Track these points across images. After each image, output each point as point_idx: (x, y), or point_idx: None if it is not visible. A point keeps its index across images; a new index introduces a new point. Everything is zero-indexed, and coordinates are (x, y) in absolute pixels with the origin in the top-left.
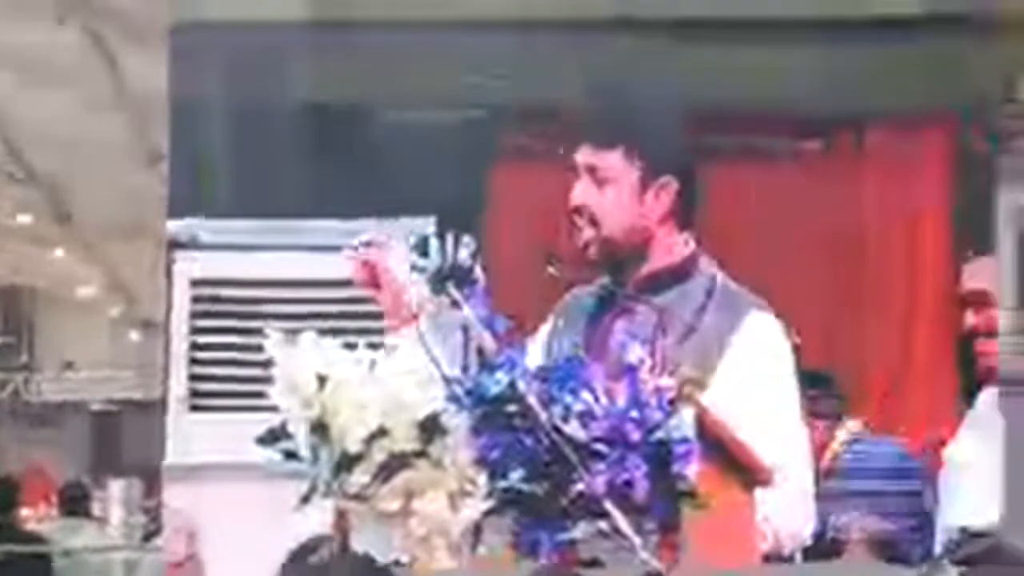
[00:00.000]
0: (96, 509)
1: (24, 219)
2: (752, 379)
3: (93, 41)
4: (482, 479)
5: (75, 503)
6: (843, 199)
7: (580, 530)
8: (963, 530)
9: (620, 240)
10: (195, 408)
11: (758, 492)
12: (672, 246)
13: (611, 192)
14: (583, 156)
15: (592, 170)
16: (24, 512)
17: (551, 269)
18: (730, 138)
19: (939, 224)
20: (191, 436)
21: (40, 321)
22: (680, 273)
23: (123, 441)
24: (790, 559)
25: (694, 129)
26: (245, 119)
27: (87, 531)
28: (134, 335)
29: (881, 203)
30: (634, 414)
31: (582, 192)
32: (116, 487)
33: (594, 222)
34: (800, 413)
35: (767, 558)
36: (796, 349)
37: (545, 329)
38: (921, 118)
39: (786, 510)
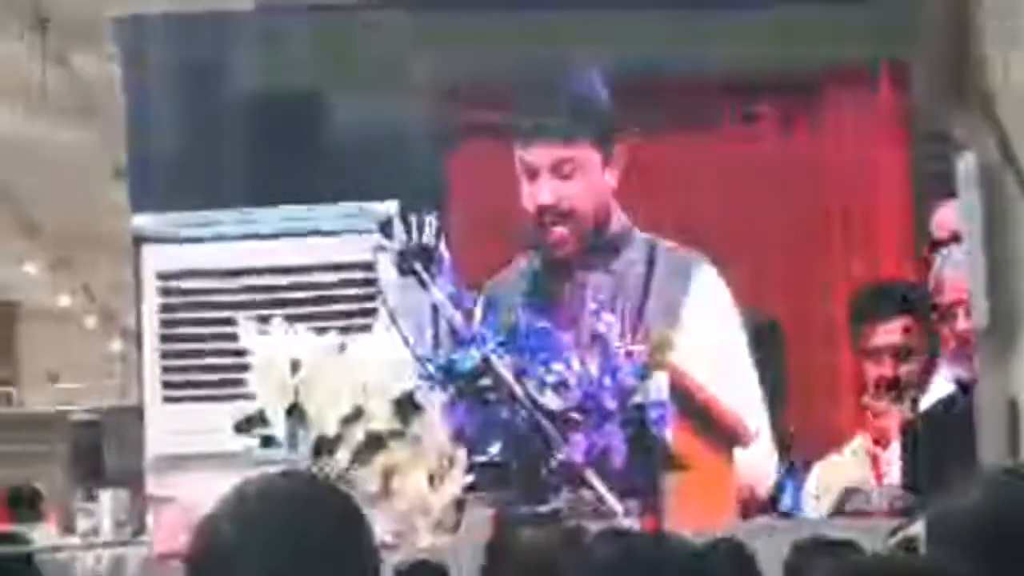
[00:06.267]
0: (86, 522)
1: None
2: (711, 336)
3: (49, 52)
4: (461, 455)
5: (26, 506)
6: (803, 158)
7: (562, 500)
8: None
9: (592, 224)
10: (170, 400)
11: (737, 451)
12: (616, 215)
13: (581, 181)
14: (545, 155)
15: (558, 167)
16: None
17: (512, 241)
18: (675, 106)
19: (899, 174)
20: (169, 428)
21: (20, 334)
22: (620, 240)
23: (109, 450)
24: (763, 506)
25: (634, 100)
26: (201, 110)
27: (42, 532)
28: (115, 344)
29: (840, 160)
30: (608, 381)
31: (549, 192)
32: (105, 498)
33: (566, 216)
34: (751, 362)
35: (746, 507)
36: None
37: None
38: (874, 73)
39: (758, 460)
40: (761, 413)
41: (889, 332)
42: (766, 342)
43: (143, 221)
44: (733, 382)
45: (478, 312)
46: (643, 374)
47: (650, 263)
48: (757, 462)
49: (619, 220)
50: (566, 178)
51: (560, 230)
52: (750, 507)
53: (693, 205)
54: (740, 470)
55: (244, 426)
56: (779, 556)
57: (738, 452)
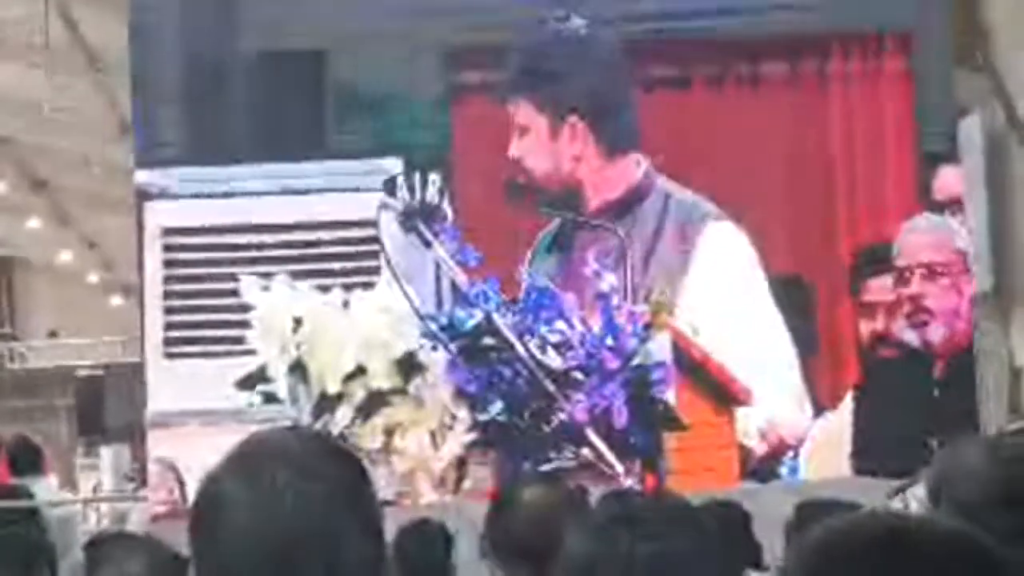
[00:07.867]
0: (88, 478)
1: None
2: (719, 290)
3: (54, 8)
4: (462, 413)
5: (26, 461)
6: (809, 119)
7: (563, 459)
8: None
9: (544, 182)
10: (171, 356)
11: (756, 400)
12: (613, 179)
13: (528, 139)
14: (513, 110)
15: (516, 122)
16: None
17: (513, 197)
18: (688, 66)
19: (903, 137)
20: (170, 383)
21: (21, 289)
22: (630, 200)
23: (111, 406)
24: (786, 457)
25: (650, 61)
26: (207, 67)
27: (42, 487)
28: (115, 300)
29: (846, 121)
30: (610, 341)
31: (514, 145)
32: (107, 454)
33: (523, 169)
34: (776, 312)
35: (765, 460)
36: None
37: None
38: (881, 37)
39: (784, 409)
40: (789, 367)
41: (882, 289)
42: (795, 297)
43: (146, 177)
44: (749, 338)
45: (525, 271)
46: (645, 335)
47: (660, 222)
48: (790, 414)
49: (621, 182)
50: (520, 134)
51: (521, 178)
52: (775, 460)
53: (697, 169)
54: (774, 422)
55: (246, 383)
56: (780, 516)
57: (772, 407)
